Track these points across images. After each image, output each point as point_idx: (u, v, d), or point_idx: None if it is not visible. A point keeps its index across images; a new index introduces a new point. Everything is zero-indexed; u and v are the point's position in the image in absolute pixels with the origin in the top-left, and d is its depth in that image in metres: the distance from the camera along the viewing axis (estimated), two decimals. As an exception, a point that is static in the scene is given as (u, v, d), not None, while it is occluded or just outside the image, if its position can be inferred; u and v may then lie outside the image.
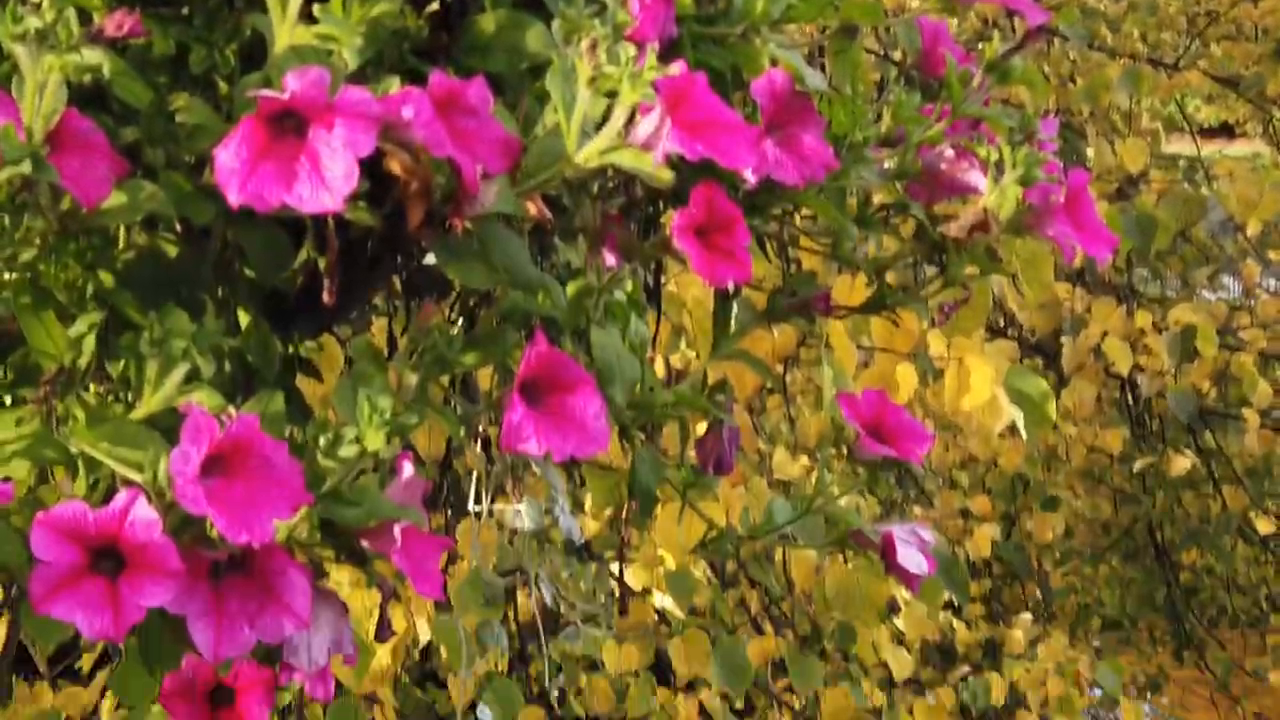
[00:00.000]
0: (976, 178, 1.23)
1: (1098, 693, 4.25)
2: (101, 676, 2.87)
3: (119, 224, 1.00)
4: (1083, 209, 1.22)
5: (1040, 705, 3.90)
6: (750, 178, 1.09)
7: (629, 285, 1.14)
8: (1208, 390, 4.65)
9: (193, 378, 0.92)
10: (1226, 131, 8.19)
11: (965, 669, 4.30)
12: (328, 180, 0.89)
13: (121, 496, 0.85)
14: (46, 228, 0.94)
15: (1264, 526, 5.36)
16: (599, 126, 0.99)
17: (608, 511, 3.09)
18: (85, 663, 3.28)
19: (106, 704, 2.79)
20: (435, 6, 1.08)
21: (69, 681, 3.02)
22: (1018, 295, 3.24)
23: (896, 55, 3.06)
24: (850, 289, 1.99)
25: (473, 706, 2.89)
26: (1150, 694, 6.42)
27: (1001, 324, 4.88)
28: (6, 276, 0.96)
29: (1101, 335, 4.14)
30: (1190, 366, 4.37)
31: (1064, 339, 4.28)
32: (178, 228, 1.05)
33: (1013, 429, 2.32)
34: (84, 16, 0.91)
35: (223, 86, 1.00)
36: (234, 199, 0.89)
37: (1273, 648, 5.88)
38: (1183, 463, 4.94)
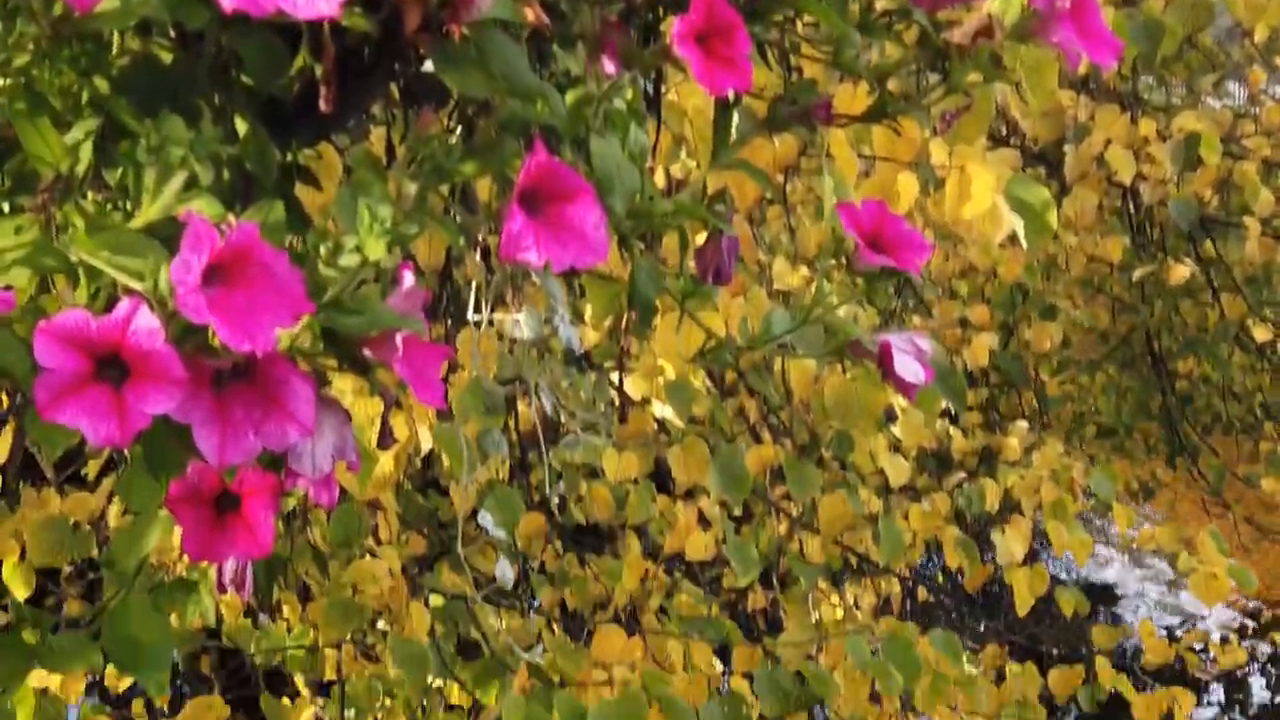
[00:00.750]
0: (981, -17, 1.22)
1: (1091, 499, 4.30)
2: (108, 483, 2.90)
3: (112, 29, 0.98)
4: (1088, 14, 1.20)
5: (1034, 511, 3.95)
6: (751, -17, 1.08)
7: (629, 93, 1.13)
8: (1209, 198, 4.64)
9: (191, 185, 0.91)
10: (1236, -65, 8.03)
11: (961, 476, 4.35)
12: (323, -15, 0.88)
13: (123, 305, 0.86)
14: (39, 33, 0.93)
15: (1261, 334, 5.38)
16: (598, -70, 0.98)
17: (607, 321, 3.09)
18: (91, 469, 3.32)
19: (113, 509, 2.83)
20: None
21: (75, 488, 3.05)
22: (1021, 103, 3.21)
23: None
24: (852, 97, 1.97)
25: (474, 513, 2.93)
26: (1143, 500, 6.51)
27: (1004, 132, 4.84)
28: (1, 83, 0.95)
29: (1105, 143, 4.10)
30: (1193, 174, 4.34)
31: (1067, 147, 4.25)
32: (172, 33, 1.04)
33: (1013, 238, 2.31)
34: None
35: (214, -112, 0.98)
36: (227, 3, 0.87)
37: (1265, 454, 5.94)
38: (1182, 271, 4.94)
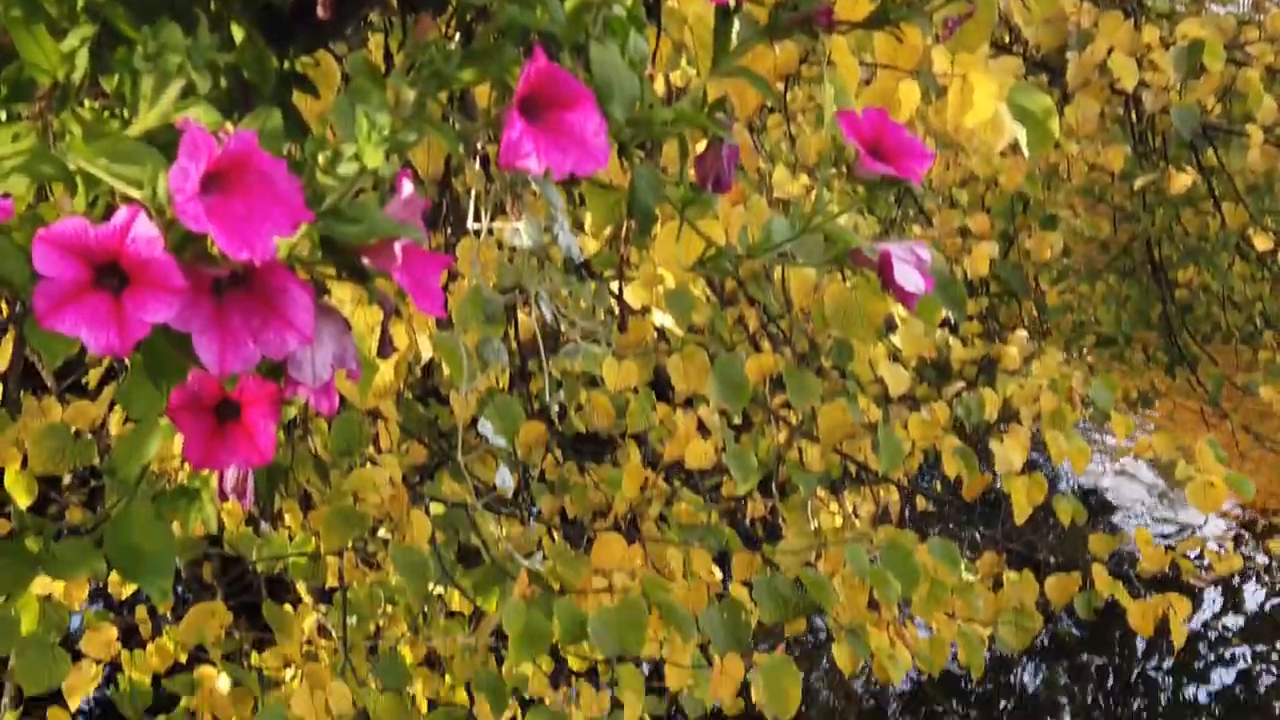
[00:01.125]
0: (985, -113, 1.20)
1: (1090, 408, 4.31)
2: (109, 391, 2.91)
3: (107, -65, 0.97)
4: (1093, -80, 1.19)
5: (1033, 420, 3.95)
6: (753, -113, 1.06)
7: (628, -1, 1.12)
8: (1212, 106, 4.61)
9: (189, 93, 0.91)
10: None
11: (960, 385, 4.35)
12: (319, -111, 0.87)
13: (122, 213, 0.85)
14: (33, -61, 0.92)
15: (1262, 243, 5.36)
16: None
17: (607, 230, 3.09)
18: (92, 378, 3.33)
19: (115, 417, 2.84)
20: None
21: (76, 396, 3.06)
22: (1023, 9, 3.18)
23: None
24: (854, 3, 1.95)
25: (474, 422, 2.94)
26: (1141, 409, 6.52)
27: (1007, 40, 4.80)
28: (-5, -11, 0.94)
29: (1107, 50, 4.07)
30: (1195, 82, 4.31)
31: (1069, 54, 4.22)
32: (167, -61, 1.03)
33: (1014, 147, 2.29)
34: None
35: None
36: (224, -91, 0.87)
37: (1264, 363, 5.94)
38: (1184, 180, 4.91)
